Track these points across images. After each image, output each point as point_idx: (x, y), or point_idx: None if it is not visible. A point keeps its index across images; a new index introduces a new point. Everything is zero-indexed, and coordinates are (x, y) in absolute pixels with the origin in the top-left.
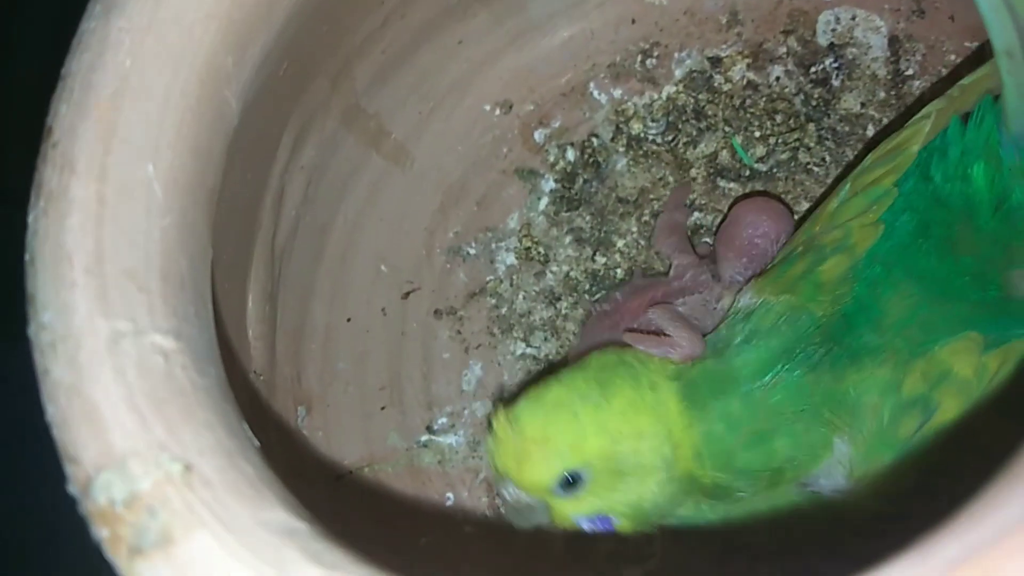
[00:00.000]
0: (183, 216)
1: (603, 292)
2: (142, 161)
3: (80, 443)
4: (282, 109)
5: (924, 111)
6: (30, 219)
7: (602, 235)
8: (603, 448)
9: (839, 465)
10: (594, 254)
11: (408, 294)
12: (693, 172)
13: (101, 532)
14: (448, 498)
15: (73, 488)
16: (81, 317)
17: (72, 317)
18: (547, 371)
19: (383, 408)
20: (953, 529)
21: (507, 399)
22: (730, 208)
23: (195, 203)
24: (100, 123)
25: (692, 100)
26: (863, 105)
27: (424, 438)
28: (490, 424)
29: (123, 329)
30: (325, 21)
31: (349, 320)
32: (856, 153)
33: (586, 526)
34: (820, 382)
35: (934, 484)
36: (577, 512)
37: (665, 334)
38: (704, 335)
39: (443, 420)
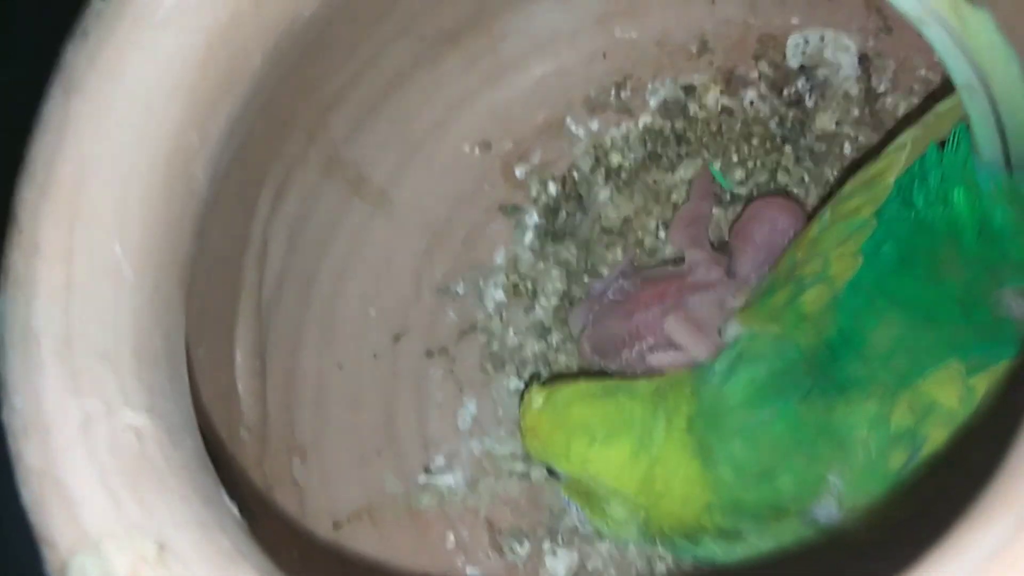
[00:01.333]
0: (155, 291)
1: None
2: (109, 241)
3: (54, 527)
4: (259, 167)
5: (899, 140)
6: None
7: (588, 266)
8: (576, 476)
9: (831, 497)
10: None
11: (398, 336)
12: (674, 197)
13: None
14: (449, 539)
15: (49, 571)
16: (52, 400)
17: (43, 400)
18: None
19: (379, 452)
20: (948, 549)
21: (547, 379)
22: (745, 206)
23: (167, 277)
24: (64, 206)
25: (669, 127)
26: (838, 124)
27: (422, 480)
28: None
29: (94, 410)
30: (294, 79)
31: (340, 367)
32: (835, 171)
33: (569, 505)
34: (812, 413)
35: (930, 510)
36: (563, 492)
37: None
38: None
39: (440, 460)
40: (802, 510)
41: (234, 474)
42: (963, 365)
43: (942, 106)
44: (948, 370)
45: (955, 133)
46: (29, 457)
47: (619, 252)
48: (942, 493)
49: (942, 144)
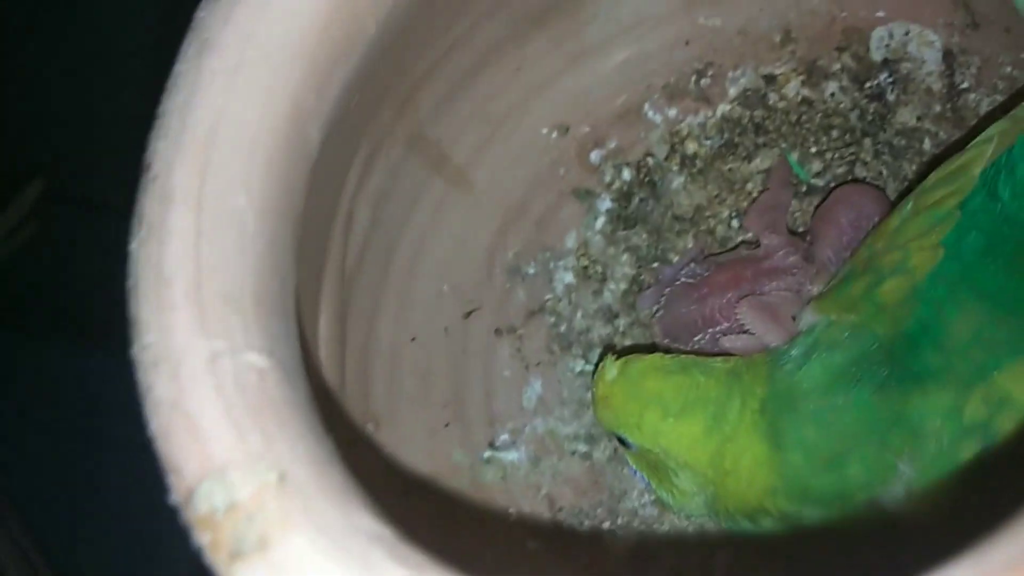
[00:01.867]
0: (273, 243)
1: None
2: (235, 193)
3: (182, 455)
4: (352, 139)
5: (986, 133)
6: (132, 247)
7: (659, 252)
8: (647, 448)
9: (899, 483)
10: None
11: (469, 313)
12: (749, 187)
13: (203, 538)
14: (511, 513)
15: (175, 497)
16: (181, 338)
17: (173, 338)
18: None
19: (447, 425)
20: (1013, 530)
21: (622, 350)
22: (830, 193)
23: (283, 231)
24: (196, 158)
25: (747, 117)
26: (919, 119)
27: (487, 454)
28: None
29: (220, 348)
30: (396, 52)
31: (414, 339)
32: (914, 166)
33: (640, 479)
34: (887, 403)
35: (994, 502)
36: (631, 461)
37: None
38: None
39: (505, 436)
40: (870, 497)
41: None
42: None
43: None
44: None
45: None
46: (159, 389)
47: (690, 240)
48: (1008, 484)
49: None
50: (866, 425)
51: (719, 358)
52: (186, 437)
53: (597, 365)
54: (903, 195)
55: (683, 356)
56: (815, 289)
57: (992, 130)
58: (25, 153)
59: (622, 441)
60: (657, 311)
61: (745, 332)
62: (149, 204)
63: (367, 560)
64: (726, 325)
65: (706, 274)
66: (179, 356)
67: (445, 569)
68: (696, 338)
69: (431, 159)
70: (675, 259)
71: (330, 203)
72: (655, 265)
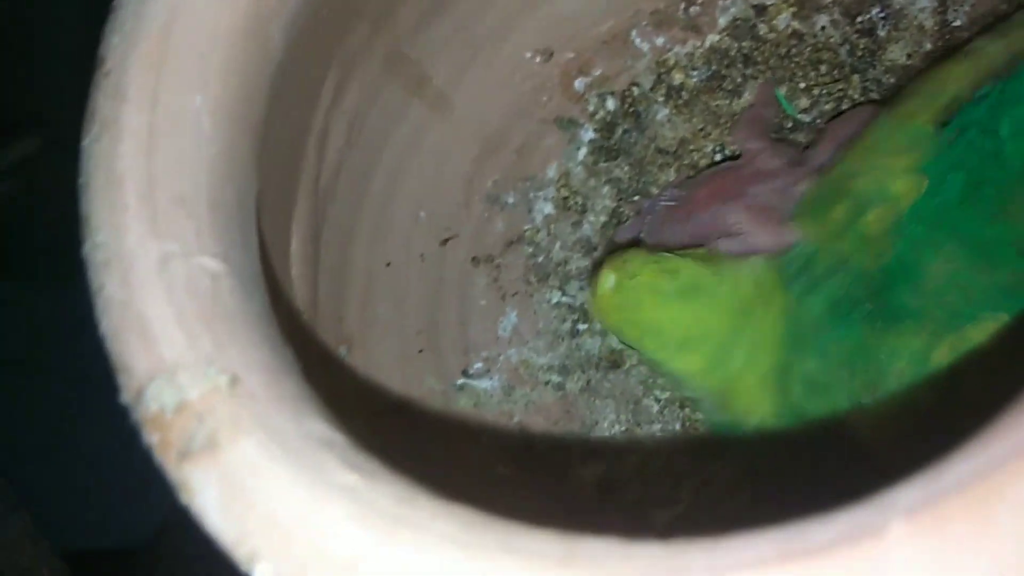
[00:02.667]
0: (230, 147)
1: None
2: (191, 92)
3: (132, 354)
4: (324, 51)
5: (975, 45)
6: (84, 144)
7: (640, 186)
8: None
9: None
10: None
11: (446, 241)
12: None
13: (152, 437)
14: (482, 439)
15: (125, 396)
16: (133, 238)
17: (125, 238)
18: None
19: (420, 351)
20: (965, 451)
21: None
22: (848, 109)
23: (241, 135)
24: (151, 54)
25: (736, 48)
26: (909, 56)
27: (460, 381)
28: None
29: (173, 250)
30: None
31: (388, 264)
32: None
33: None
34: (872, 336)
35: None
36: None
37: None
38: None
39: (479, 365)
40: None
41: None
42: (1012, 319)
43: None
44: (996, 322)
45: None
46: (110, 288)
47: (672, 173)
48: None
49: None
50: (854, 356)
51: (728, 277)
52: (136, 337)
53: (594, 272)
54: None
55: (686, 266)
56: (801, 189)
57: (981, 43)
58: (22, 103)
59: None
60: (640, 241)
61: (736, 235)
62: (102, 100)
63: (318, 465)
64: (716, 234)
65: (685, 194)
66: (130, 257)
67: (399, 476)
68: None
69: (410, 79)
70: (656, 193)
71: (302, 116)
72: (636, 199)
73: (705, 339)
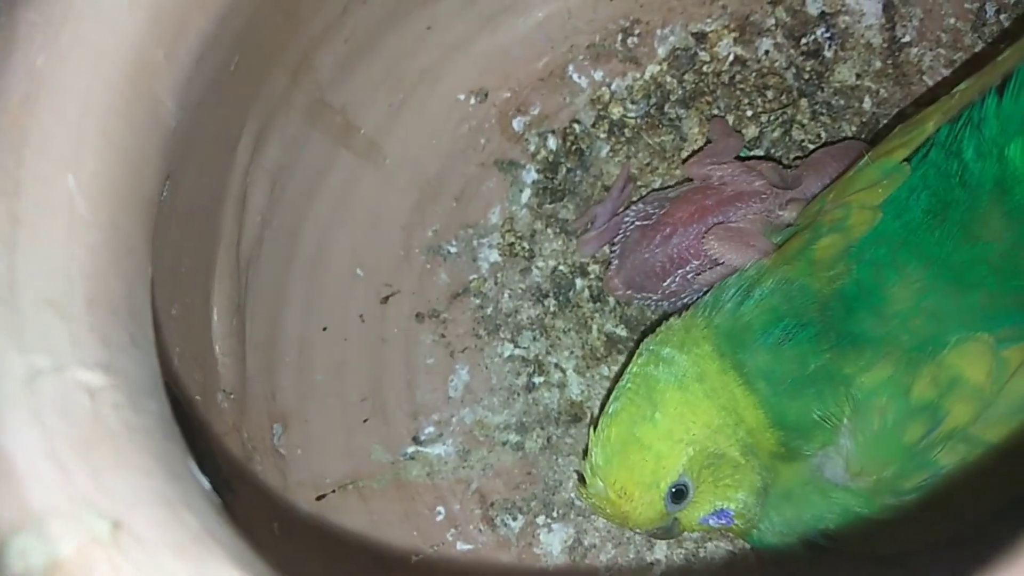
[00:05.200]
0: (113, 232)
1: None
2: (61, 172)
3: None
4: (237, 107)
5: (954, 91)
6: None
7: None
8: (685, 457)
9: (838, 457)
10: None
11: (387, 298)
12: (683, 155)
13: None
14: (439, 512)
15: None
16: None
17: None
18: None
19: (365, 420)
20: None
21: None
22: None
23: (128, 216)
24: (10, 131)
25: (677, 80)
26: (858, 76)
27: (411, 449)
28: (580, 490)
29: (41, 365)
30: (276, 10)
31: (325, 329)
32: (853, 127)
33: (714, 523)
34: (822, 355)
35: (955, 498)
36: (699, 515)
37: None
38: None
39: (430, 429)
40: (828, 444)
41: (210, 442)
42: (993, 337)
43: (1001, 56)
44: (976, 342)
45: (1018, 74)
46: None
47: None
48: (965, 478)
49: (1000, 92)
50: (807, 366)
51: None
52: None
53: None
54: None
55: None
56: (787, 216)
57: (959, 87)
58: None
59: (676, 498)
60: (611, 263)
61: (719, 264)
62: None
63: None
64: (697, 263)
65: (661, 212)
66: None
67: None
68: (666, 283)
69: (336, 129)
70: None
71: (216, 181)
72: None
73: (661, 393)
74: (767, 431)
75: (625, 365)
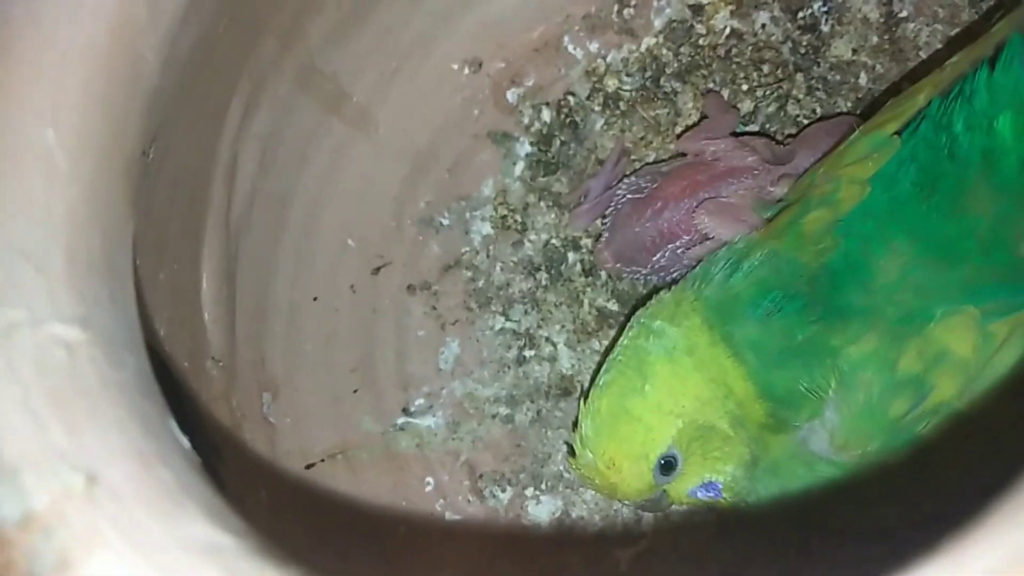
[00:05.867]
0: (93, 187)
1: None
2: (40, 125)
3: None
4: (227, 72)
5: (946, 63)
6: None
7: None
8: (675, 429)
9: (823, 430)
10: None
11: (378, 269)
12: (678, 130)
13: None
14: (428, 483)
15: None
16: None
17: None
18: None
19: (355, 391)
20: (987, 531)
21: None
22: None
23: (109, 172)
24: None
25: (673, 53)
26: (855, 51)
27: (400, 421)
28: (570, 461)
29: (17, 319)
30: None
31: (315, 299)
32: (849, 103)
33: (702, 495)
34: (809, 326)
35: (940, 474)
36: (688, 487)
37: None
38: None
39: (420, 401)
40: (815, 416)
41: (198, 408)
42: (979, 311)
43: (994, 28)
44: (962, 316)
45: (1009, 46)
46: None
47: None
48: (954, 458)
49: (992, 63)
50: (793, 341)
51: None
52: None
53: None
54: None
55: (611, 383)
56: (778, 192)
57: (952, 59)
58: None
59: (665, 469)
60: (602, 236)
61: (709, 239)
62: None
63: None
64: (687, 238)
65: (653, 186)
66: None
67: None
68: (656, 257)
69: (327, 97)
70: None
71: (206, 146)
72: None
73: (650, 365)
74: (756, 402)
75: (616, 338)
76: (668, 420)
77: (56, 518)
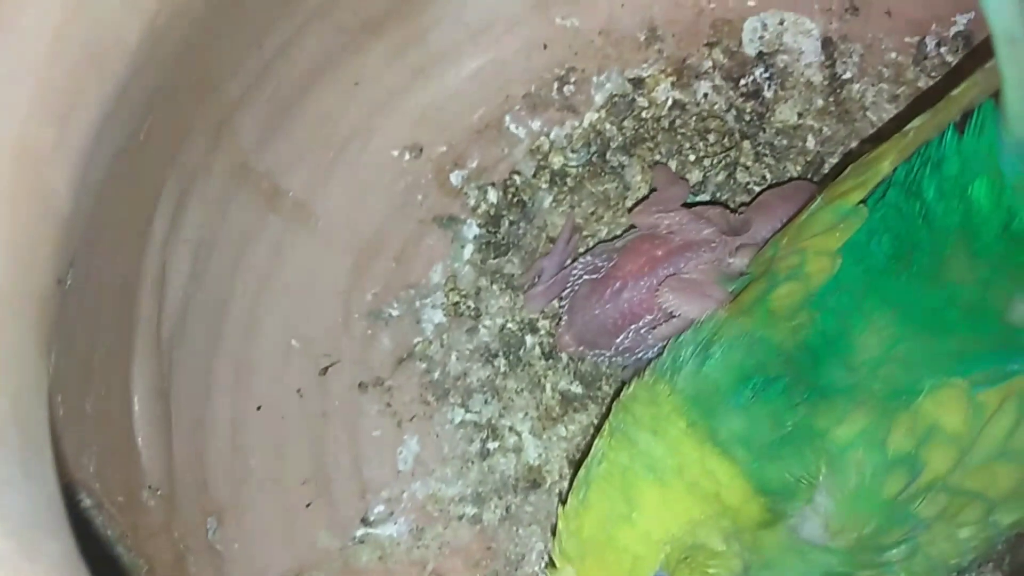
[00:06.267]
0: None
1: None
2: None
3: None
4: (151, 177)
5: (907, 127)
6: None
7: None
8: (663, 555)
9: (816, 516)
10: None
11: (326, 369)
12: (628, 203)
13: None
14: None
15: None
16: None
17: None
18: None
19: (308, 505)
20: None
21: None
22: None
23: (17, 319)
24: None
25: (616, 127)
26: (800, 115)
27: (360, 532)
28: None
29: None
30: (187, 70)
31: (259, 408)
32: (798, 167)
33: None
34: (793, 410)
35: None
36: None
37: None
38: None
39: (380, 508)
40: (808, 501)
41: (138, 545)
42: (967, 381)
43: (956, 90)
44: (951, 388)
45: (979, 111)
46: None
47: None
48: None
49: (960, 128)
50: (780, 427)
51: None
52: None
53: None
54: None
55: (584, 505)
56: (736, 263)
57: (912, 123)
58: None
59: None
60: (561, 318)
61: (675, 317)
62: None
63: None
64: (650, 317)
65: (610, 264)
66: None
67: None
68: (619, 339)
69: (263, 194)
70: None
71: (131, 258)
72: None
73: (631, 477)
74: (752, 501)
75: (589, 428)
76: (656, 548)
77: None
